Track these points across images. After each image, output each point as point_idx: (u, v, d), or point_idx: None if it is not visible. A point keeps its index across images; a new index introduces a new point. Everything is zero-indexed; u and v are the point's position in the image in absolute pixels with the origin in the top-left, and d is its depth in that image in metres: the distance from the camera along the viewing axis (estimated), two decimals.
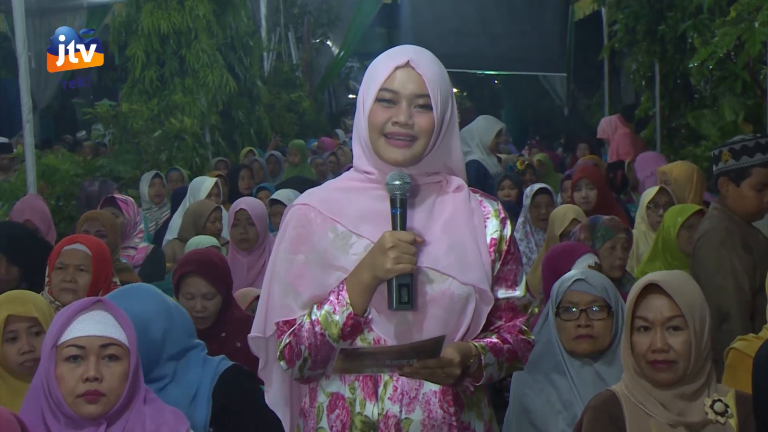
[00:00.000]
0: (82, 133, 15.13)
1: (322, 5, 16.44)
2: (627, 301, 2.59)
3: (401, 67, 2.23)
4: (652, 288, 2.54)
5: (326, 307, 2.21)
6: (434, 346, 2.12)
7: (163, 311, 2.86)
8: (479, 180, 6.90)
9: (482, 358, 2.22)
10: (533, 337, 2.39)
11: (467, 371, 2.20)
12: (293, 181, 7.66)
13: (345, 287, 2.21)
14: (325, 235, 2.26)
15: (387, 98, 2.23)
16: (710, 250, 3.89)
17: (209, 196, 6.44)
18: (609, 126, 10.19)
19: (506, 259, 2.32)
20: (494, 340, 2.28)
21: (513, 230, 2.38)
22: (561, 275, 3.61)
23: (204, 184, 6.61)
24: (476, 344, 2.24)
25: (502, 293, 2.32)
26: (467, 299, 2.24)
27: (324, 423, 2.28)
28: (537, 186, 6.00)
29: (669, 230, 4.74)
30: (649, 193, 5.56)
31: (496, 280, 2.31)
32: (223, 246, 5.35)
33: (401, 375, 2.17)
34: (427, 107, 2.23)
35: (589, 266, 3.79)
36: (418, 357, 2.12)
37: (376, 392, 2.23)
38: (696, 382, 2.54)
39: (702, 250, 3.95)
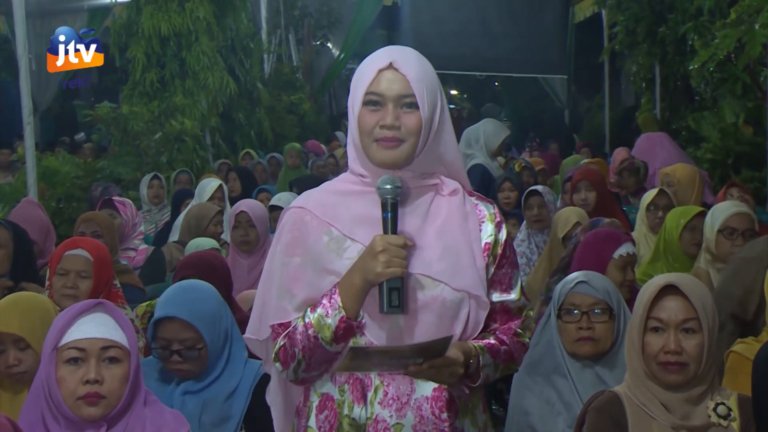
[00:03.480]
0: (80, 135, 15.13)
1: (322, 7, 16.44)
2: (640, 301, 2.58)
3: (384, 69, 2.23)
4: (666, 289, 2.54)
5: (319, 310, 2.22)
6: (442, 346, 2.13)
7: (224, 304, 3.00)
8: (484, 184, 6.89)
9: (480, 359, 2.23)
10: (527, 340, 2.39)
11: (466, 371, 2.21)
12: (307, 179, 7.62)
13: (337, 291, 2.21)
14: (320, 239, 2.27)
15: (373, 101, 2.24)
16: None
17: (212, 198, 6.43)
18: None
19: (501, 263, 2.32)
20: (492, 341, 2.28)
21: (508, 233, 2.37)
22: (604, 259, 3.79)
23: (208, 186, 6.60)
24: (475, 345, 2.24)
25: (497, 297, 2.32)
26: (460, 305, 2.24)
27: (312, 422, 2.28)
28: (529, 188, 6.02)
29: (671, 232, 4.74)
30: (649, 194, 5.56)
31: (491, 284, 2.31)
32: (222, 247, 5.35)
33: (405, 374, 2.17)
34: (414, 106, 2.23)
35: (628, 253, 3.87)
36: (425, 357, 2.12)
37: (364, 396, 2.23)
38: (702, 385, 2.54)
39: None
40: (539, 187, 5.97)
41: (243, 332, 3.15)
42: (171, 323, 2.87)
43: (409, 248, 2.19)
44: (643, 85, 11.55)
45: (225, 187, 6.73)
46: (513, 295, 2.34)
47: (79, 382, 2.33)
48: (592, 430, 2.60)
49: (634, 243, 4.07)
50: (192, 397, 2.87)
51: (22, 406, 2.43)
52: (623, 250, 3.88)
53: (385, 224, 2.19)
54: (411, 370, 2.13)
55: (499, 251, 2.32)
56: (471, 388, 2.28)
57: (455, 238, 2.26)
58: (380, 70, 2.23)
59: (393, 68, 2.23)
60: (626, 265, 3.87)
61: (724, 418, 2.52)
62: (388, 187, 2.19)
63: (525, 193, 5.92)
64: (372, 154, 2.24)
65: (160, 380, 2.93)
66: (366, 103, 2.24)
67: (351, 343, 2.23)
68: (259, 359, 2.82)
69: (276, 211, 5.95)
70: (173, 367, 2.89)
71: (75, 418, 2.34)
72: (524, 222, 5.84)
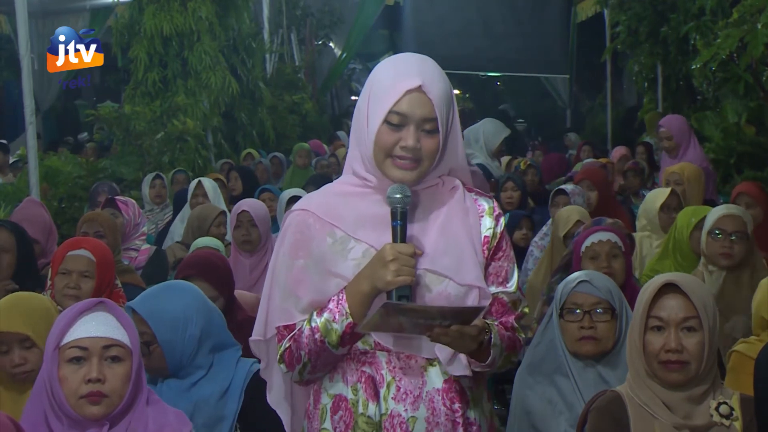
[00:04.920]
0: (84, 135, 15.15)
1: (324, 7, 16.44)
2: (640, 300, 2.58)
3: (412, 91, 2.22)
4: (666, 288, 2.54)
5: (326, 314, 2.24)
6: (471, 314, 2.16)
7: (202, 308, 2.96)
8: (484, 184, 6.90)
9: (492, 336, 2.24)
10: (523, 335, 2.41)
11: (480, 345, 2.21)
12: (321, 178, 7.62)
13: (345, 296, 2.24)
14: (324, 241, 2.29)
15: (396, 122, 2.23)
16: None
17: (194, 196, 6.45)
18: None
19: (498, 256, 2.35)
20: (498, 325, 2.30)
21: (505, 227, 2.40)
22: (579, 256, 3.86)
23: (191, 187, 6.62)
24: (486, 321, 2.26)
25: (493, 289, 2.34)
26: (464, 299, 2.26)
27: (327, 424, 2.31)
28: (557, 187, 6.04)
29: (682, 230, 4.70)
30: (660, 196, 5.51)
31: (488, 276, 2.33)
32: (225, 247, 5.35)
33: (428, 336, 2.17)
34: (435, 131, 2.24)
35: (593, 243, 3.90)
36: (453, 321, 2.14)
37: (377, 393, 2.26)
38: (704, 384, 2.54)
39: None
40: (568, 187, 5.98)
41: (245, 333, 3.18)
42: (135, 315, 2.89)
43: (417, 256, 2.22)
44: (645, 84, 11.54)
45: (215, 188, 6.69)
46: (509, 288, 2.35)
47: (81, 381, 2.33)
48: (593, 430, 2.60)
49: (624, 236, 4.07)
50: (182, 398, 2.86)
51: (25, 405, 2.43)
52: (588, 241, 3.92)
53: (395, 233, 2.22)
54: (436, 332, 2.14)
55: (495, 244, 2.34)
56: (477, 374, 2.28)
57: (457, 233, 2.29)
58: (408, 91, 2.22)
59: (421, 91, 2.22)
60: (596, 254, 3.88)
61: (726, 417, 2.52)
62: (398, 196, 2.21)
63: (553, 192, 5.97)
64: (386, 170, 2.25)
65: (148, 381, 2.93)
66: (387, 121, 2.23)
67: (359, 343, 2.26)
68: (254, 358, 2.84)
69: (294, 203, 5.93)
70: None
71: (78, 417, 2.34)
72: (549, 219, 5.85)
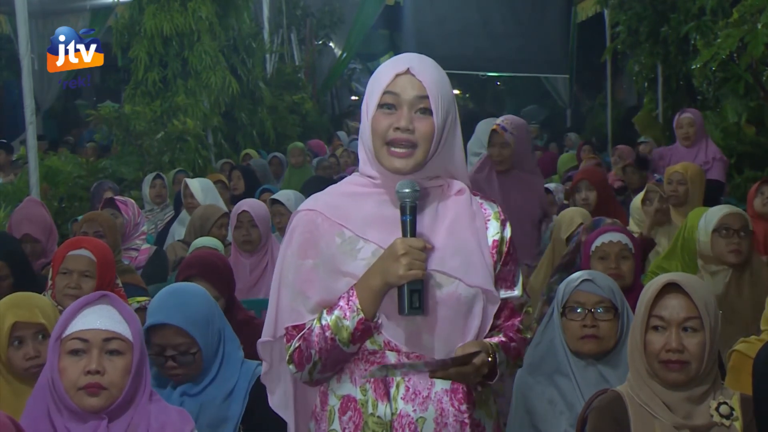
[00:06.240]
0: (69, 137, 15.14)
1: (324, 7, 16.46)
2: (642, 299, 2.59)
3: (402, 74, 2.27)
4: (668, 287, 2.54)
5: (336, 312, 2.24)
6: (465, 359, 2.18)
7: (213, 302, 3.01)
8: None
9: (497, 356, 2.26)
10: (529, 335, 2.44)
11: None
12: (315, 181, 7.63)
13: (355, 293, 2.24)
14: (333, 240, 2.29)
15: (389, 102, 2.26)
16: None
17: (184, 197, 6.47)
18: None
19: (506, 260, 2.37)
20: (503, 339, 2.33)
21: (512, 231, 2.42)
22: (587, 256, 3.87)
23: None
24: (491, 342, 2.28)
25: (502, 293, 2.36)
26: (473, 300, 2.28)
27: (336, 425, 2.31)
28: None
29: (691, 230, 4.68)
30: (639, 196, 5.66)
31: (496, 281, 2.34)
32: (225, 247, 5.35)
33: (431, 377, 2.22)
34: (428, 112, 2.26)
35: (603, 243, 3.90)
36: (452, 364, 2.18)
37: (387, 393, 2.27)
38: (704, 384, 2.55)
39: None
40: (551, 185, 6.00)
41: (245, 332, 3.17)
42: (163, 329, 2.86)
43: (427, 251, 2.23)
44: (645, 84, 11.56)
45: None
46: (516, 292, 2.38)
47: (80, 372, 2.34)
48: (594, 429, 2.60)
49: (635, 238, 4.06)
50: (190, 400, 2.87)
51: (28, 399, 2.44)
52: (599, 241, 3.92)
53: (404, 227, 2.23)
54: (438, 375, 2.19)
55: (504, 248, 2.36)
56: (485, 384, 2.31)
57: (465, 236, 2.30)
58: (397, 75, 2.27)
59: (410, 74, 2.26)
60: (606, 255, 3.88)
61: (727, 417, 2.52)
62: (407, 191, 2.22)
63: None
64: (383, 159, 2.27)
65: (155, 384, 2.93)
66: (381, 104, 2.27)
67: (368, 343, 2.27)
68: (256, 359, 2.84)
69: (276, 205, 5.96)
70: (169, 373, 2.89)
71: (77, 409, 2.34)
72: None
